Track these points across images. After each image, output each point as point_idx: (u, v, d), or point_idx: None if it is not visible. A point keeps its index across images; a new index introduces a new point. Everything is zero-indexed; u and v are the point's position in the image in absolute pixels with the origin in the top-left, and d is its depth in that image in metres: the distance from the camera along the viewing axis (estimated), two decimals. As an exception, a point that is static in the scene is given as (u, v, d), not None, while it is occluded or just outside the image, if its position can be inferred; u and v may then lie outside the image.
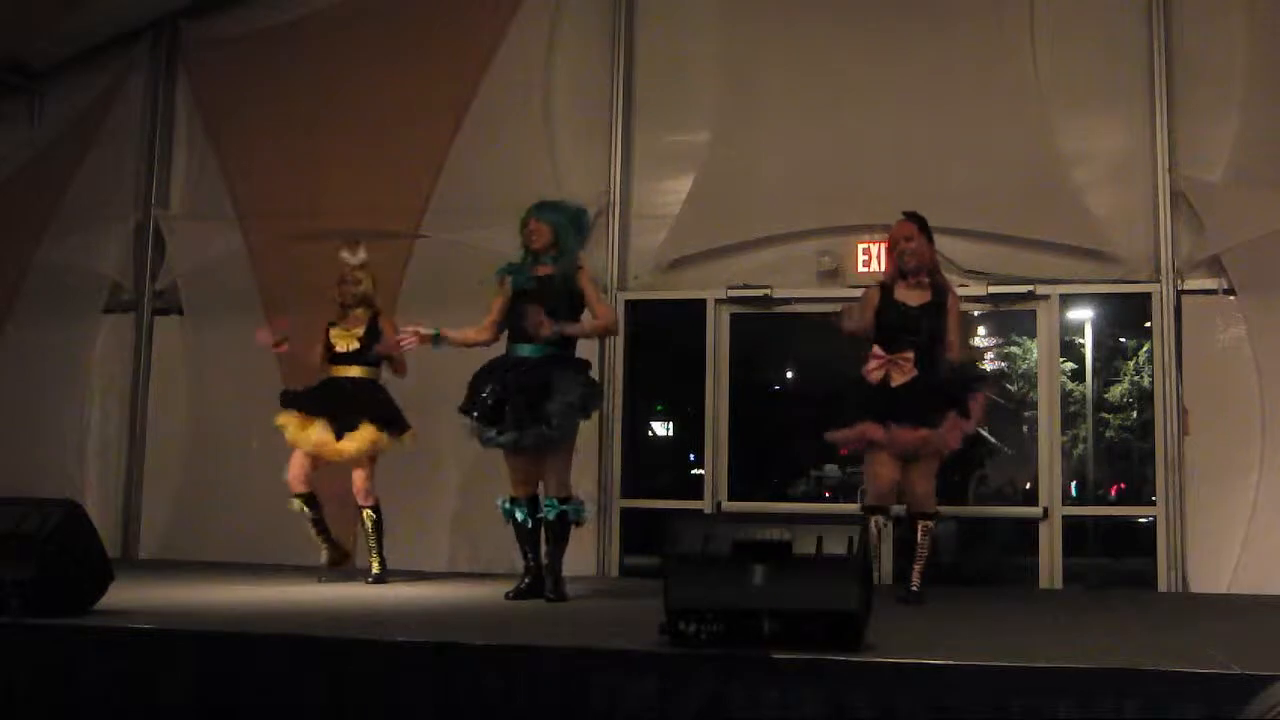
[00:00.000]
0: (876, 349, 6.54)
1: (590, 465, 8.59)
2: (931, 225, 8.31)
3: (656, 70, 9.05)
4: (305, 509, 7.36)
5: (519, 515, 6.41)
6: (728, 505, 8.50)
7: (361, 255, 7.56)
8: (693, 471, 9.19)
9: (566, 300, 6.41)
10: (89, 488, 9.50)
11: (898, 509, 6.89)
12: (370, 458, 7.32)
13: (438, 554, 8.58)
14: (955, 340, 6.65)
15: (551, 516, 6.35)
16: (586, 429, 8.59)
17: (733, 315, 8.74)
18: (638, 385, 9.00)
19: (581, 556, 8.53)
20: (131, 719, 4.03)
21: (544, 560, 6.42)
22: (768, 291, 8.55)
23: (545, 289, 6.37)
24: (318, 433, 7.22)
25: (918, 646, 4.17)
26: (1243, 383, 7.84)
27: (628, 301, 8.84)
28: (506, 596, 6.29)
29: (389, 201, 9.10)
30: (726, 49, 8.93)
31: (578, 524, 6.49)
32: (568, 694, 3.75)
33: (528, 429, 6.20)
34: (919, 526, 6.53)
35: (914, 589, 6.44)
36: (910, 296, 6.61)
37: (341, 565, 7.47)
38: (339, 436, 7.22)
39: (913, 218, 6.72)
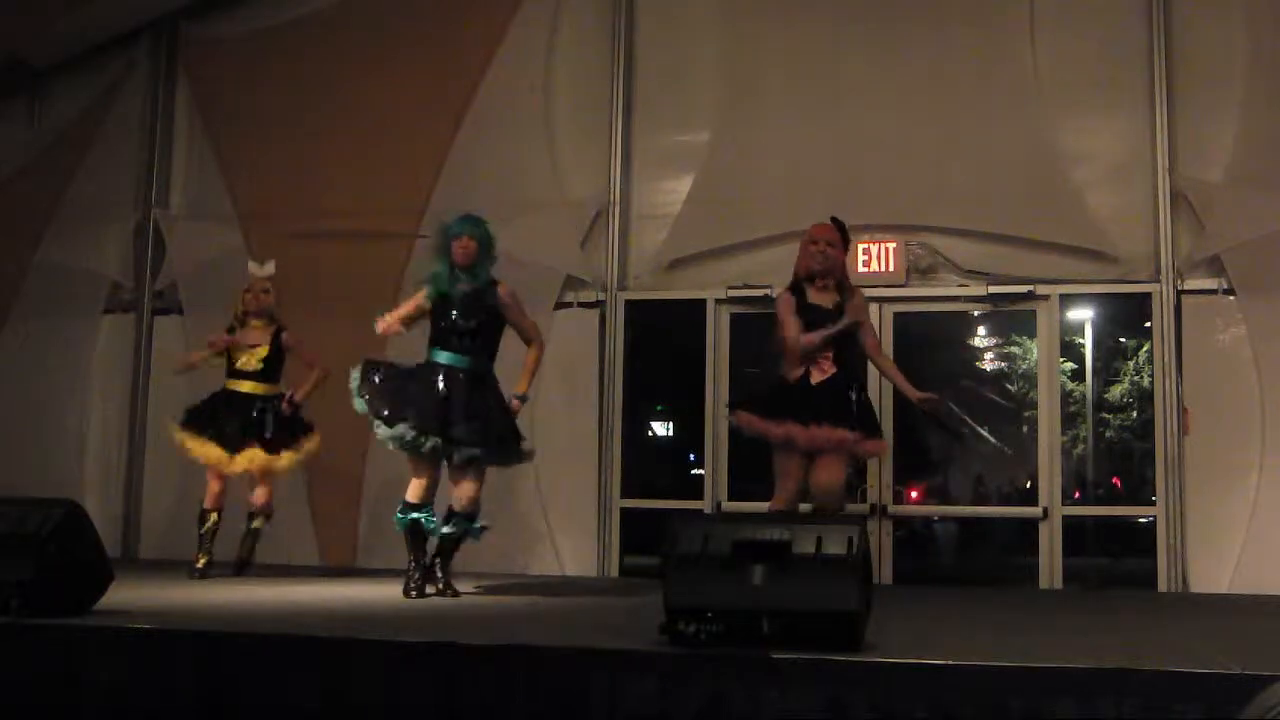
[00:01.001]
0: None
1: (590, 465, 8.61)
2: (932, 225, 8.39)
3: (656, 70, 9.06)
4: (214, 524, 7.54)
5: (426, 522, 6.36)
6: (727, 505, 8.49)
7: (270, 269, 7.75)
8: (692, 471, 9.19)
9: (486, 317, 6.46)
10: (89, 487, 9.50)
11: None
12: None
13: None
14: (872, 341, 6.83)
15: (458, 531, 6.37)
16: (587, 429, 8.66)
17: (733, 315, 8.74)
18: (638, 385, 9.00)
19: (582, 556, 8.56)
20: (132, 719, 4.03)
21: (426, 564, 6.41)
22: (768, 291, 8.53)
23: (471, 306, 6.42)
24: (243, 454, 7.46)
25: (917, 646, 4.17)
26: (1243, 383, 7.85)
27: (628, 301, 8.84)
28: (408, 594, 6.23)
29: (389, 201, 9.11)
30: (726, 49, 8.93)
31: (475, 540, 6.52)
32: (568, 694, 3.75)
33: (482, 443, 6.28)
34: None
35: None
36: (822, 299, 6.67)
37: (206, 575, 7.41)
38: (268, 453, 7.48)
39: (837, 225, 6.81)
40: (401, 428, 6.19)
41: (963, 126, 8.38)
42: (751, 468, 8.95)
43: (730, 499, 8.55)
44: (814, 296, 6.65)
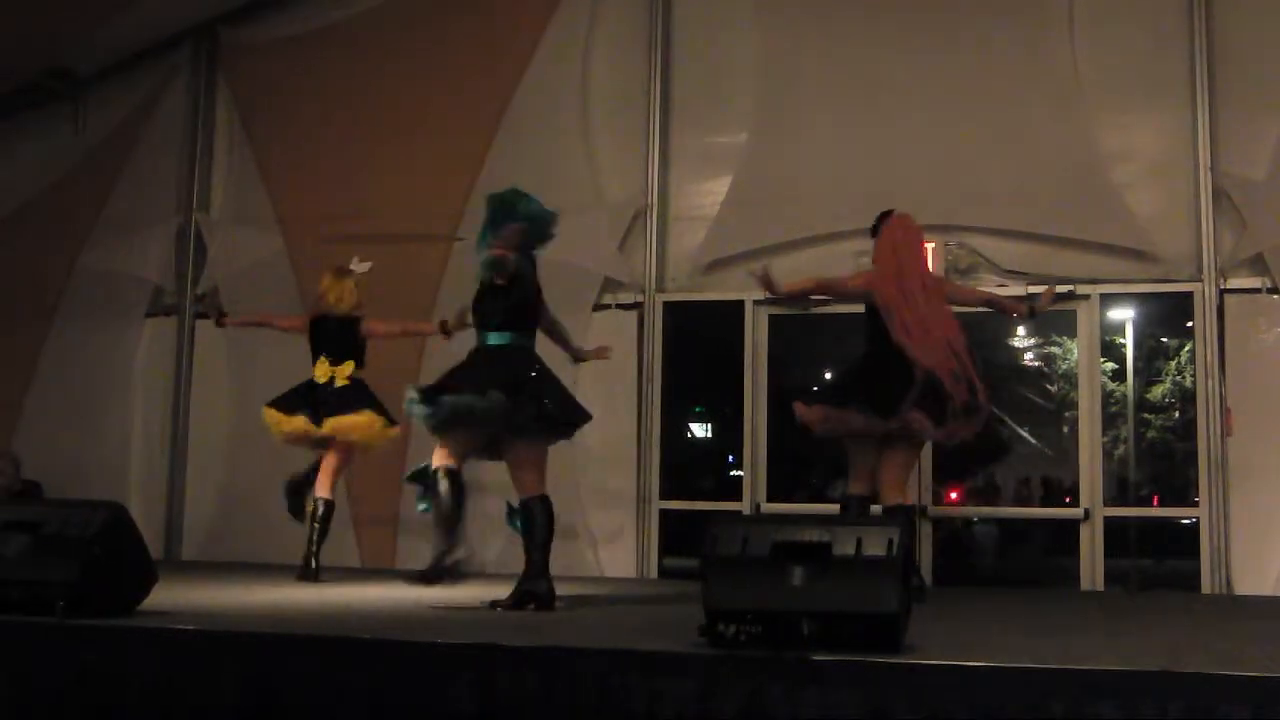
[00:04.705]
0: None
1: (629, 466, 8.62)
2: (971, 225, 8.34)
3: (694, 72, 9.07)
4: (321, 512, 7.47)
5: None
6: (766, 506, 8.49)
7: (367, 265, 7.74)
8: (731, 473, 9.18)
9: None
10: (133, 489, 9.58)
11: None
12: (348, 453, 7.54)
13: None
14: None
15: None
16: (626, 430, 8.66)
17: (771, 316, 8.73)
18: (676, 387, 9.00)
19: (621, 558, 8.57)
20: (176, 718, 4.07)
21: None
22: (806, 292, 8.53)
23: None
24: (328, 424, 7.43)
25: (957, 648, 4.15)
26: (1286, 383, 7.76)
27: (666, 303, 8.85)
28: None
29: (427, 204, 9.15)
30: (764, 50, 8.92)
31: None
32: (607, 696, 3.75)
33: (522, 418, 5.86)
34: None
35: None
36: None
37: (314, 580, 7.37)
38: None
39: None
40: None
41: (1002, 125, 8.34)
42: (790, 469, 8.95)
43: (769, 500, 8.55)
44: None
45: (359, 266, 7.73)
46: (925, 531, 8.16)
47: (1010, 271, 8.28)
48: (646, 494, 8.63)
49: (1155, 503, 9.22)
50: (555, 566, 7.60)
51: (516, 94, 9.17)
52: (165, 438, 9.81)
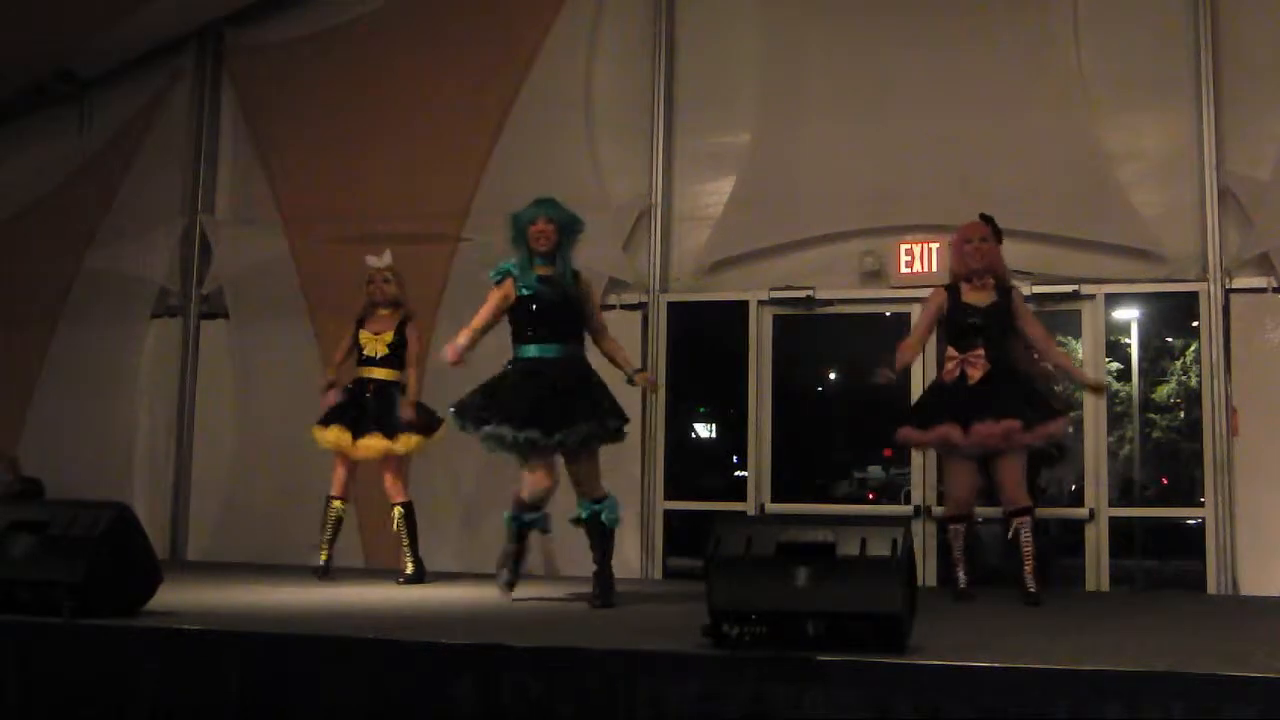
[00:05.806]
0: (951, 350, 6.64)
1: (633, 467, 8.61)
2: (975, 225, 8.30)
3: (697, 72, 9.05)
4: (337, 513, 7.53)
5: (538, 522, 6.24)
6: (771, 507, 8.48)
7: (387, 258, 7.69)
8: (736, 473, 9.18)
9: (567, 304, 6.26)
10: (138, 490, 9.60)
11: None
12: (400, 457, 7.52)
13: (452, 554, 8.57)
14: (1040, 334, 6.73)
15: (585, 516, 6.21)
16: (631, 430, 8.65)
17: (775, 316, 8.72)
18: (680, 387, 8.99)
19: (625, 558, 8.55)
20: (181, 718, 4.08)
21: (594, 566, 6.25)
22: (810, 293, 8.53)
23: (553, 292, 6.22)
24: (365, 440, 7.41)
25: (962, 649, 4.14)
26: (1293, 382, 7.74)
27: (670, 304, 8.84)
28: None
29: (432, 205, 9.15)
30: (768, 50, 8.92)
31: (613, 524, 6.29)
32: (611, 696, 3.75)
33: (576, 427, 6.12)
34: (1015, 524, 6.49)
35: (1031, 590, 6.43)
36: (976, 298, 6.66)
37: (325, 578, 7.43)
38: (388, 438, 7.42)
39: (987, 220, 6.79)
40: (490, 428, 6.01)
41: (1006, 124, 8.32)
42: (795, 469, 8.94)
43: (773, 500, 8.54)
44: (967, 295, 6.67)
45: (376, 262, 7.70)
46: (929, 531, 8.14)
47: (1015, 271, 8.24)
48: (651, 494, 8.62)
49: (1160, 486, 9.20)
50: (561, 566, 7.59)
51: (521, 95, 9.16)
52: (170, 438, 9.81)
